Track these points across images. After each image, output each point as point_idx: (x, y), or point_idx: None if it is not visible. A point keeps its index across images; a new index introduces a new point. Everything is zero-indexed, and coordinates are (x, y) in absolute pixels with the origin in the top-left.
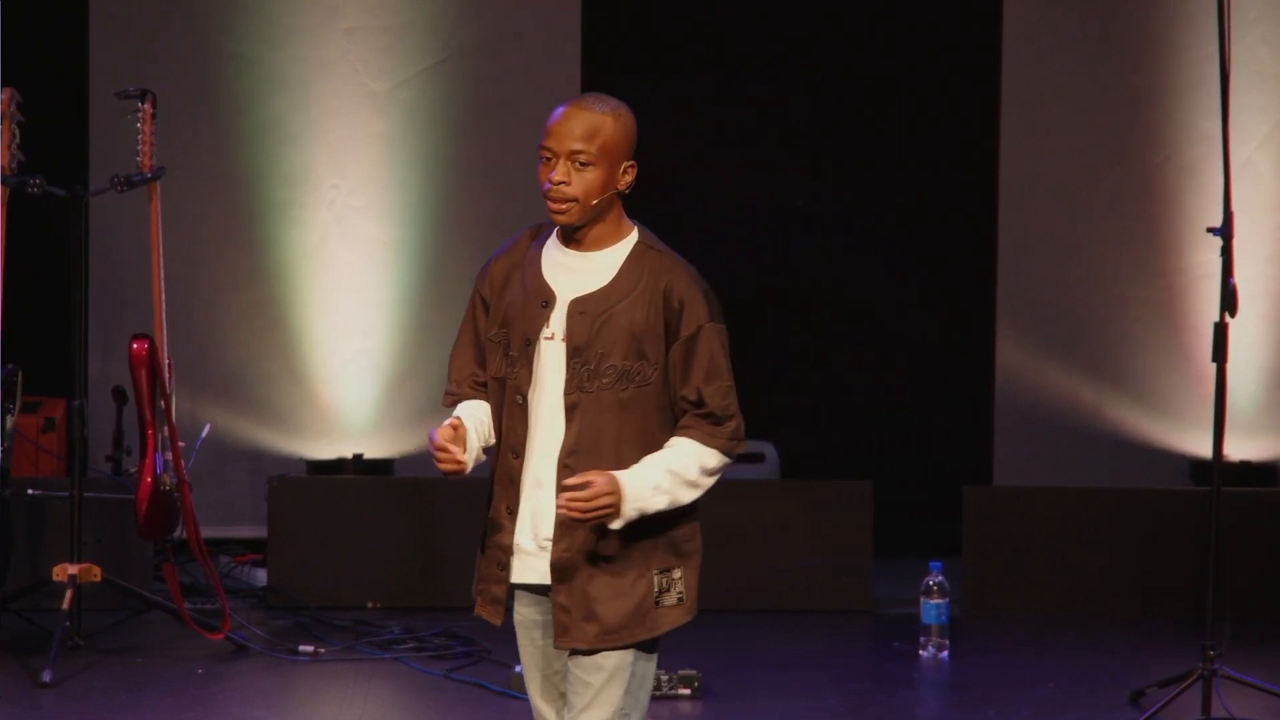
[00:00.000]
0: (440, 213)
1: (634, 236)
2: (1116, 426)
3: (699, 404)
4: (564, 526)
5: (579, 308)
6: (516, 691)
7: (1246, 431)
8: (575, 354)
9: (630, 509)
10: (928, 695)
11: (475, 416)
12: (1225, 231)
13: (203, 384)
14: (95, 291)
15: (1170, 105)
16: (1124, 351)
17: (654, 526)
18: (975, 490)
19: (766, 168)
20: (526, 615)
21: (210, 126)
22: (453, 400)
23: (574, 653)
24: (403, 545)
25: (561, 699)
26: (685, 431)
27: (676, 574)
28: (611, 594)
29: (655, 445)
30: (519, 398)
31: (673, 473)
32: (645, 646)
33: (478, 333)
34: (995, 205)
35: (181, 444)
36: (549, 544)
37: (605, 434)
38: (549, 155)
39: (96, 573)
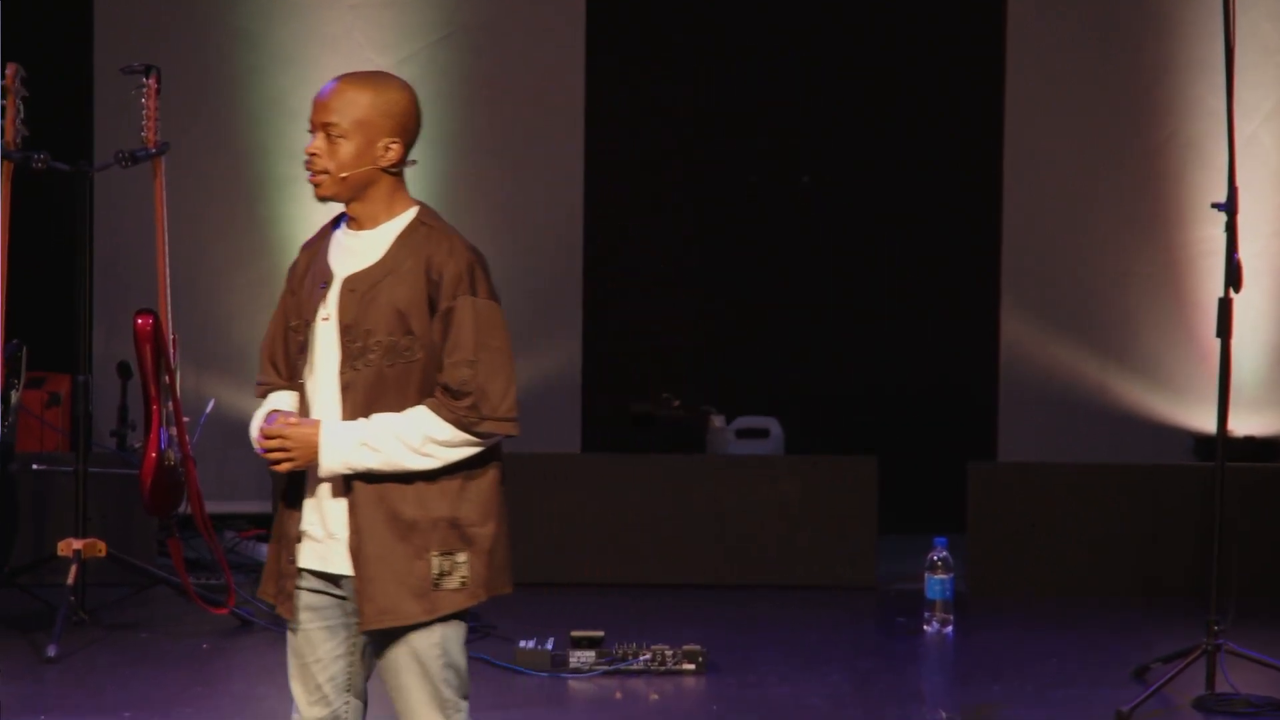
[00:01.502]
0: (444, 187)
1: (410, 214)
2: (1121, 402)
3: (443, 378)
4: (355, 509)
5: (349, 286)
6: (521, 667)
7: (1251, 407)
8: (346, 332)
9: (333, 459)
10: (932, 671)
11: (288, 405)
12: (1230, 207)
13: (207, 359)
14: (99, 267)
15: (1174, 81)
16: (1128, 327)
17: (436, 507)
18: (980, 467)
19: (771, 143)
20: (304, 600)
21: (215, 102)
22: (264, 390)
23: (380, 646)
24: None
25: (318, 689)
26: (427, 401)
27: (460, 558)
28: (390, 574)
29: None
30: (302, 382)
31: (395, 434)
32: (445, 625)
33: (285, 321)
34: (999, 181)
35: (186, 419)
36: (338, 529)
37: (378, 409)
38: (311, 129)
39: (101, 548)
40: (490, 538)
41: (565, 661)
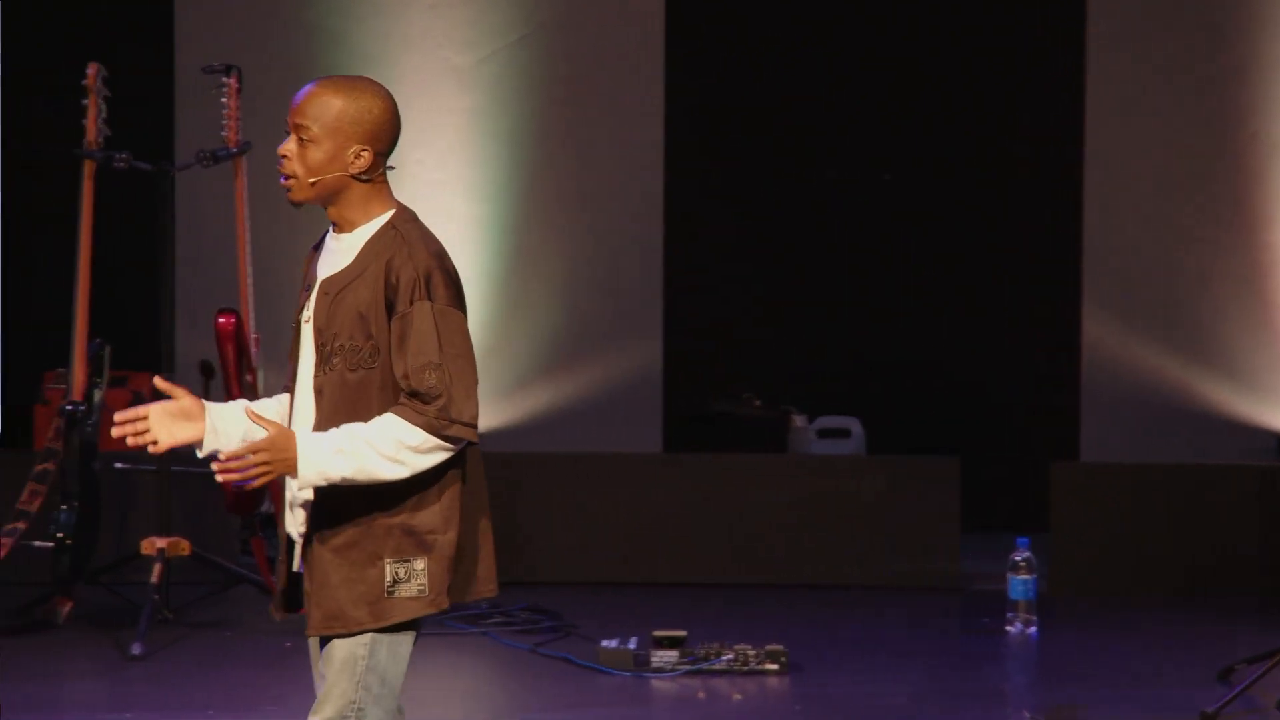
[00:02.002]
0: (524, 187)
1: (384, 218)
2: (1204, 402)
3: (408, 383)
4: (308, 512)
5: (324, 289)
6: (604, 666)
7: None
8: (318, 335)
9: (309, 469)
10: (1015, 671)
11: (273, 409)
12: None
13: (288, 358)
14: (181, 266)
15: (1258, 80)
16: (1211, 327)
17: (389, 513)
18: (1064, 466)
19: (852, 139)
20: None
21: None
22: (286, 390)
23: (323, 645)
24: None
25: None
26: (394, 408)
27: (418, 565)
28: (340, 579)
29: None
30: (290, 384)
31: (366, 441)
32: (383, 636)
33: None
34: (1080, 181)
35: None
36: (292, 529)
37: (342, 414)
38: (286, 127)
39: (185, 546)
40: (451, 544)
41: (648, 661)
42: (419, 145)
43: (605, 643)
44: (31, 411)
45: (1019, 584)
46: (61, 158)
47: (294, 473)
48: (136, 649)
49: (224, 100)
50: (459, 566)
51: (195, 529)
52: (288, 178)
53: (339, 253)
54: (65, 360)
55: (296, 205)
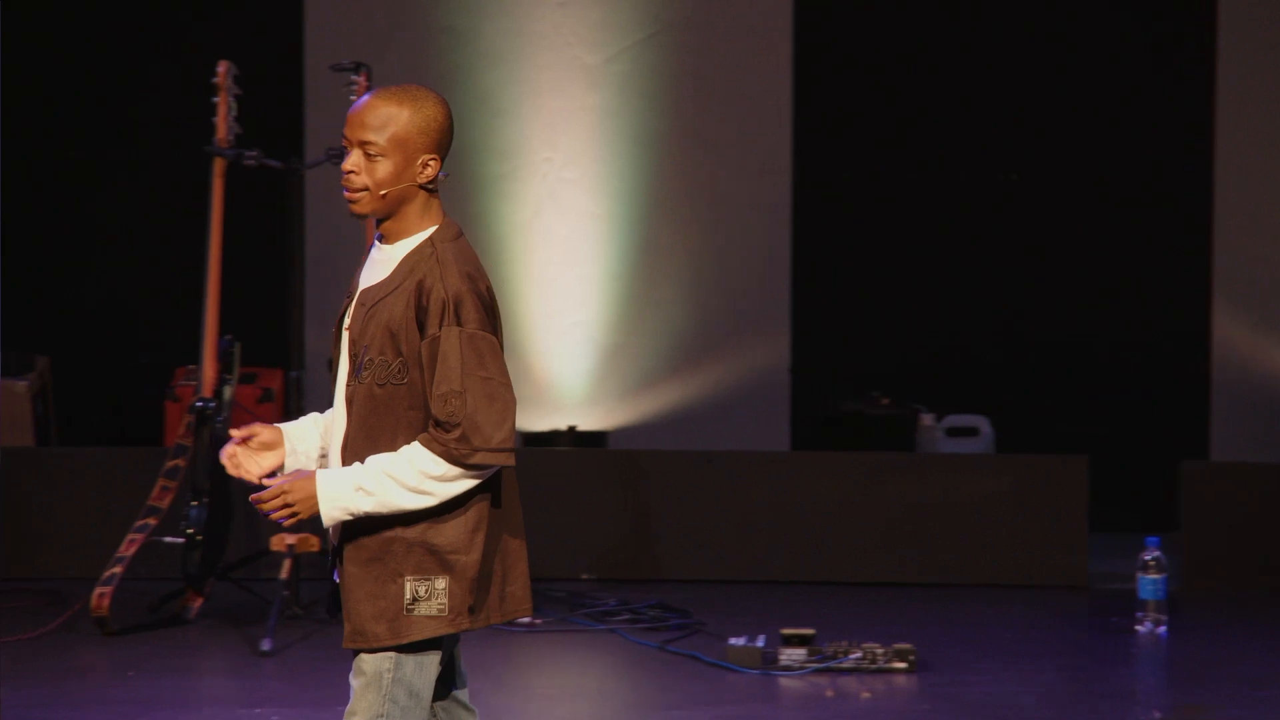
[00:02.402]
0: (653, 186)
1: (426, 233)
2: None
3: (433, 410)
4: (346, 532)
5: (362, 300)
6: (732, 664)
7: None
8: (352, 345)
9: (331, 508)
10: (1145, 670)
11: (308, 431)
12: None
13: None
14: (310, 263)
15: None
16: None
17: (411, 531)
18: (1194, 466)
19: (979, 139)
20: None
21: None
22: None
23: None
24: (617, 517)
25: None
26: (420, 436)
27: (440, 584)
28: (364, 594)
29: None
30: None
31: (389, 474)
32: (408, 650)
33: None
34: (1212, 180)
35: None
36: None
37: (369, 427)
38: (345, 145)
39: (314, 542)
40: (475, 565)
41: (776, 659)
42: (548, 144)
43: (733, 640)
44: (162, 408)
45: (1149, 583)
46: (192, 156)
47: (316, 513)
48: (266, 645)
49: (352, 98)
50: (488, 587)
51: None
52: (355, 191)
53: (381, 264)
54: (195, 357)
55: (361, 218)
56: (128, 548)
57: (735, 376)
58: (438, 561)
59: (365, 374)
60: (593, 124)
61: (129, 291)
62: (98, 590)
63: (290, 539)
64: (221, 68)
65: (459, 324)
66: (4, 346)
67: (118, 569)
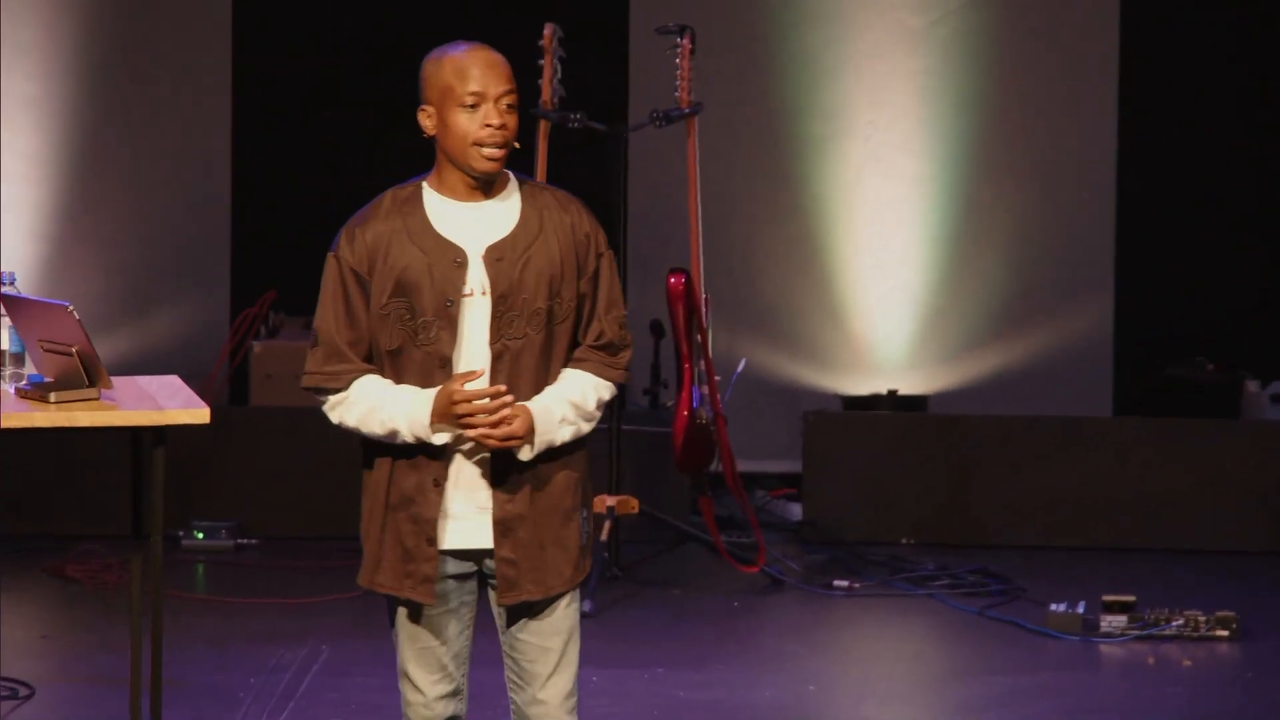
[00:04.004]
0: (976, 149)
1: (511, 177)
2: None
3: (599, 334)
4: (504, 480)
5: (494, 255)
6: (1052, 630)
7: None
8: (500, 302)
9: (539, 440)
10: None
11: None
12: None
13: (738, 318)
14: (634, 225)
15: None
16: None
17: (572, 470)
18: None
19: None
20: (447, 584)
21: (748, 61)
22: (352, 378)
23: (519, 615)
24: (937, 482)
25: (443, 669)
26: (580, 364)
27: (587, 515)
28: (552, 540)
29: None
30: (440, 361)
31: (576, 405)
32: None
33: (352, 307)
34: None
35: (718, 378)
36: (487, 503)
37: (528, 378)
38: (476, 100)
39: (634, 504)
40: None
41: (1096, 626)
42: (871, 106)
43: (1054, 607)
44: None
45: None
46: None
47: (529, 446)
48: (587, 606)
49: (677, 61)
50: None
51: (645, 488)
52: (503, 147)
53: (486, 220)
54: None
55: (488, 175)
56: None
57: (1058, 340)
58: (585, 496)
59: (520, 323)
60: (916, 86)
61: None
62: None
63: (611, 500)
64: (547, 30)
65: (609, 246)
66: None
67: None
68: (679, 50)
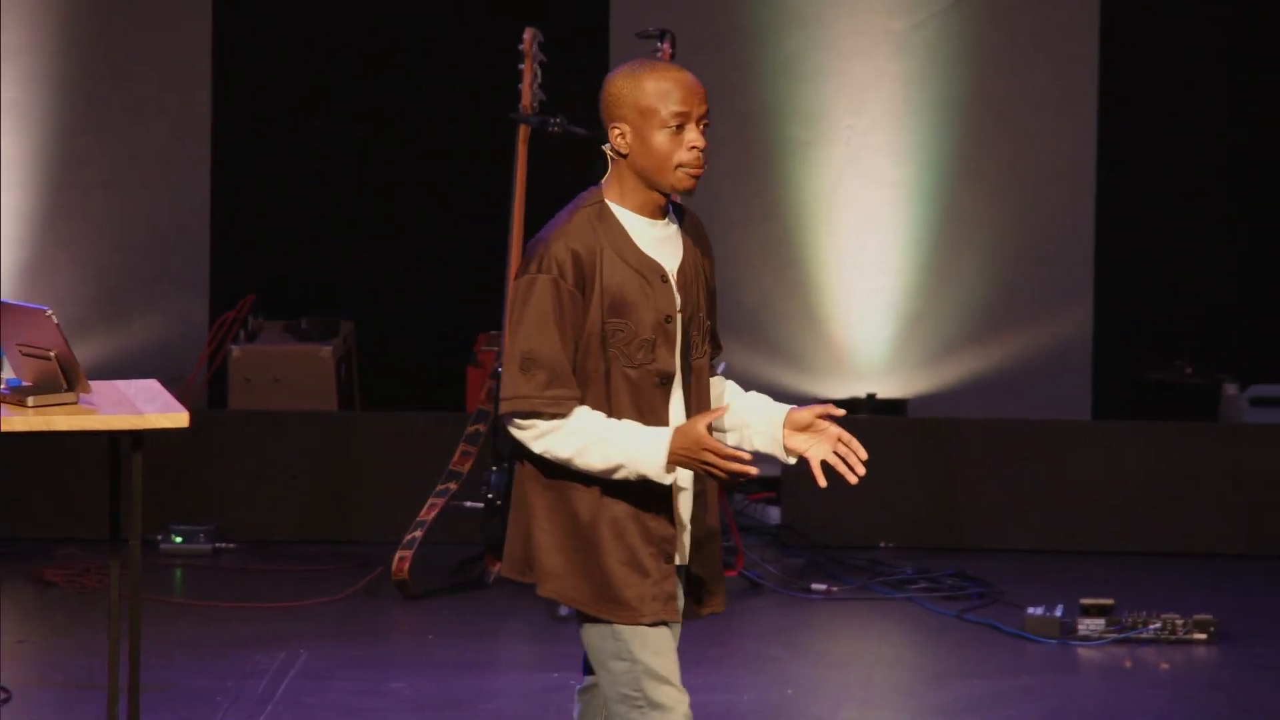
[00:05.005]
0: (956, 153)
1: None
2: None
3: (716, 340)
4: (698, 498)
5: (681, 278)
6: (1030, 633)
7: None
8: (690, 323)
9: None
10: None
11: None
12: None
13: (718, 321)
14: None
15: None
16: None
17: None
18: None
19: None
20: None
21: (728, 64)
22: (573, 405)
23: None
24: (916, 485)
25: (679, 681)
26: (724, 380)
27: None
28: (719, 557)
29: None
30: (659, 378)
31: None
32: None
33: (570, 329)
34: None
35: None
36: (686, 522)
37: (705, 394)
38: (681, 121)
39: None
40: None
41: (1074, 629)
42: (851, 110)
43: (1032, 610)
44: (464, 374)
45: None
46: (496, 123)
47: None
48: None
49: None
50: None
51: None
52: (703, 168)
53: (668, 239)
54: (498, 323)
55: (687, 194)
56: (428, 512)
57: (1037, 344)
58: None
59: (700, 344)
60: (897, 90)
61: (432, 257)
62: (398, 554)
63: None
64: (527, 35)
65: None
66: (309, 312)
67: (418, 533)
68: (659, 54)
